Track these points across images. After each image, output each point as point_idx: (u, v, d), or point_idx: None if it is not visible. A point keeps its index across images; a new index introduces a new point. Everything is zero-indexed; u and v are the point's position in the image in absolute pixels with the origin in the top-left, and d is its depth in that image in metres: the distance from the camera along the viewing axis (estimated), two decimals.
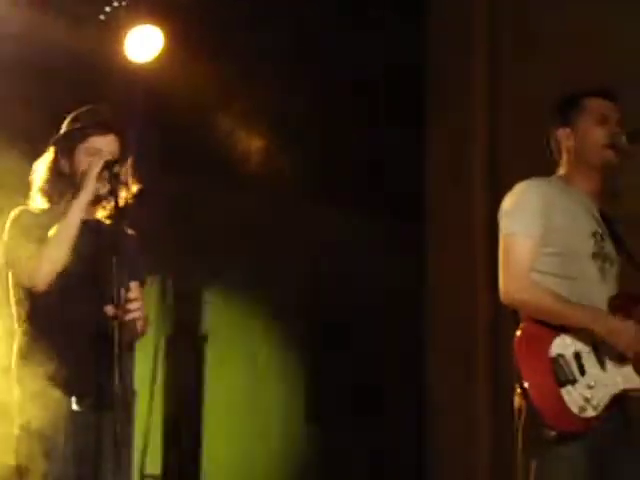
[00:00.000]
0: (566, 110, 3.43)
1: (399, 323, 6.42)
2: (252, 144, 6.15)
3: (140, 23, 5.65)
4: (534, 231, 3.24)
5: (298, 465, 6.80)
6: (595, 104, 3.40)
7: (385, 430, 6.72)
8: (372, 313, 6.61)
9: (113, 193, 3.44)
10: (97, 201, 3.56)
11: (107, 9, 5.63)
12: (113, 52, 5.53)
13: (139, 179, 3.69)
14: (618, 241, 3.41)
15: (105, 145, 3.58)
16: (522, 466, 3.18)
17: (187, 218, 6.24)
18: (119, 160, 3.53)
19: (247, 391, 6.77)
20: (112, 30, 5.60)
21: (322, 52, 6.40)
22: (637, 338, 3.16)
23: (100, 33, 5.49)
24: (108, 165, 3.46)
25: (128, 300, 3.31)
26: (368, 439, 6.71)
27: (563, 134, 3.41)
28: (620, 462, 3.20)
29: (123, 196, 3.57)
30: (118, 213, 3.45)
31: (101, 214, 3.64)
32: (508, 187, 3.41)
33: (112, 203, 3.50)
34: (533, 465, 3.14)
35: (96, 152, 3.53)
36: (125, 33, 5.64)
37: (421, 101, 6.50)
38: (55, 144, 3.62)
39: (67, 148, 3.58)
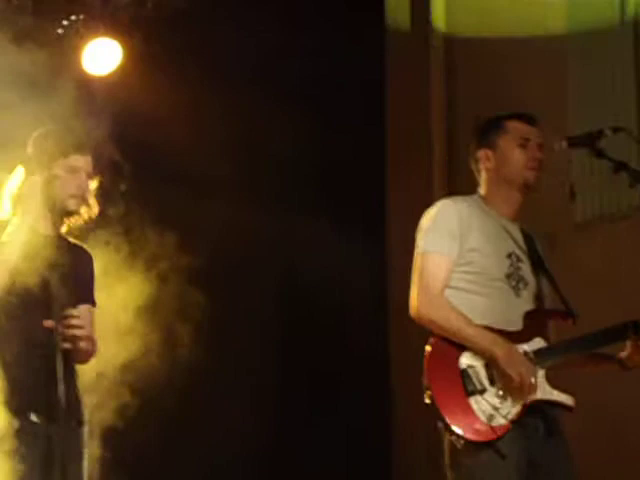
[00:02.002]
0: (488, 132, 3.50)
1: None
2: (211, 155, 6.17)
3: (98, 36, 5.72)
4: (449, 251, 3.29)
5: None
6: (516, 127, 3.47)
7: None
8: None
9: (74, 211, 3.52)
10: (62, 217, 3.59)
11: (65, 22, 5.68)
12: (71, 65, 5.57)
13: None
14: (537, 261, 3.46)
15: (84, 164, 3.63)
16: (450, 476, 3.22)
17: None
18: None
19: None
20: (70, 43, 5.66)
21: (283, 64, 6.45)
22: (529, 370, 3.18)
23: (58, 46, 5.52)
24: None
25: (70, 316, 3.33)
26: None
27: (483, 155, 3.47)
28: (552, 473, 3.24)
29: (83, 215, 3.64)
30: (77, 231, 3.49)
31: (65, 230, 3.68)
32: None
33: (74, 220, 3.57)
34: (453, 474, 3.19)
35: (75, 171, 3.57)
36: (83, 46, 5.70)
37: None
38: (33, 159, 3.64)
39: (45, 164, 3.60)
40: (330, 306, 6.52)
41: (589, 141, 3.28)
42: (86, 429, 3.61)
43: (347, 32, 6.49)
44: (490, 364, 3.19)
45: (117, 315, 5.43)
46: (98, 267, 3.80)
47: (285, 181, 6.52)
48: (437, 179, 6.52)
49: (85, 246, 3.74)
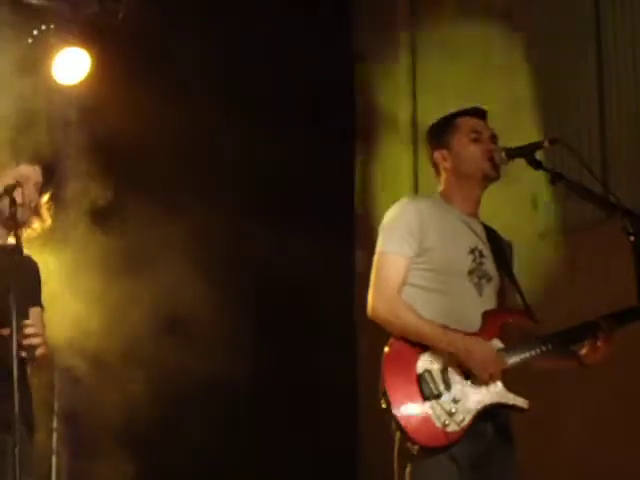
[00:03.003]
0: (440, 132, 3.52)
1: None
2: (178, 162, 6.22)
3: (68, 46, 5.75)
4: (408, 250, 3.30)
5: None
6: (466, 122, 3.48)
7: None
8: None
9: (12, 218, 3.46)
10: (9, 226, 3.60)
11: (35, 32, 5.70)
12: (40, 74, 5.60)
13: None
14: (500, 257, 3.46)
15: (33, 174, 3.64)
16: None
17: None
18: (40, 190, 3.63)
19: None
20: (40, 53, 5.69)
21: (250, 72, 6.52)
22: (493, 360, 3.20)
23: (28, 56, 5.54)
24: (8, 190, 3.49)
25: (25, 325, 3.35)
26: None
27: (439, 156, 3.49)
28: (496, 476, 3.24)
29: (35, 227, 3.68)
30: (19, 239, 3.48)
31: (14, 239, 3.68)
32: None
33: (26, 231, 3.60)
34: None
35: (24, 180, 3.57)
36: (53, 56, 5.73)
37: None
38: None
39: None
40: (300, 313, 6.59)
41: (527, 152, 3.31)
42: (36, 437, 3.64)
43: (312, 38, 6.59)
44: (448, 364, 3.20)
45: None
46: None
47: (253, 190, 6.56)
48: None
49: (31, 254, 3.72)
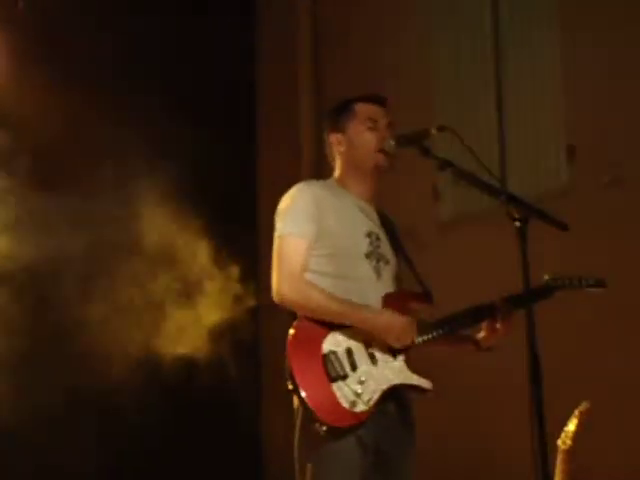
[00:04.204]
0: (337, 116, 3.49)
1: None
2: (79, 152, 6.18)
3: None
4: (306, 233, 3.29)
5: None
6: (364, 109, 3.46)
7: None
8: None
9: None
10: None
11: None
12: None
13: None
14: (395, 241, 3.48)
15: None
16: (298, 469, 3.20)
17: None
18: None
19: None
20: None
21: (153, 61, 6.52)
22: (405, 331, 3.22)
23: None
24: None
25: None
26: None
27: (335, 140, 3.48)
28: (396, 458, 3.27)
29: None
30: None
31: None
32: None
33: None
34: (309, 464, 3.17)
35: None
36: None
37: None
38: None
39: None
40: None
41: (416, 140, 3.31)
42: None
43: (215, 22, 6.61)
44: (354, 345, 3.20)
45: None
46: None
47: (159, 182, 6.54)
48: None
49: None
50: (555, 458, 3.98)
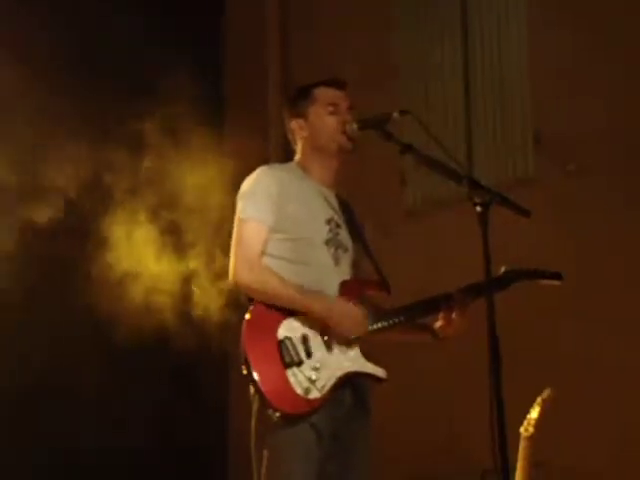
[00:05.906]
0: (297, 102, 3.48)
1: None
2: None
3: None
4: (266, 217, 3.27)
5: None
6: (324, 94, 3.44)
7: None
8: None
9: None
10: None
11: None
12: None
13: None
14: (354, 229, 3.46)
15: None
16: (255, 456, 3.18)
17: None
18: None
19: None
20: None
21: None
22: (358, 322, 3.21)
23: None
24: None
25: None
26: None
27: (296, 125, 3.47)
28: (352, 445, 3.25)
29: None
30: None
31: None
32: None
33: None
34: (265, 451, 3.15)
35: None
36: None
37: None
38: None
39: None
40: None
41: (378, 124, 3.30)
42: None
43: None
44: (309, 332, 3.19)
45: None
46: None
47: None
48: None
49: None
50: (518, 445, 3.99)
